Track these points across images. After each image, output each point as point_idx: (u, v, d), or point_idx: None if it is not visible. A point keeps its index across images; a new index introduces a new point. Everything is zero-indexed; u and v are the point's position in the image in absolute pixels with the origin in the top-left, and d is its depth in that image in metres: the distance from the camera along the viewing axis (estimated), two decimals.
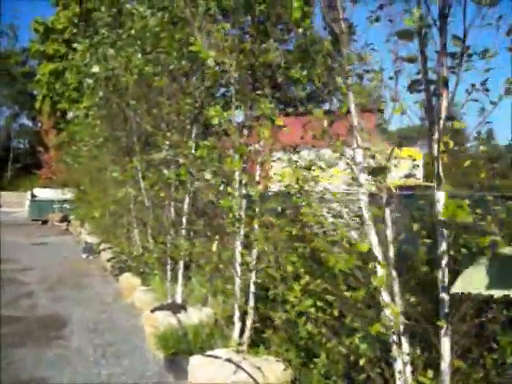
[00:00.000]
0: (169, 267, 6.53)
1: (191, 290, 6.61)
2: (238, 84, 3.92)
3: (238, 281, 4.24)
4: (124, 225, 10.25)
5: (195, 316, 5.84)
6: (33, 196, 30.20)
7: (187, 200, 6.04)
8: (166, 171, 4.63)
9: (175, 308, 5.94)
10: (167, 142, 4.51)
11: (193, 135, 5.51)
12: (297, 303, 3.65)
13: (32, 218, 28.16)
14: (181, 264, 6.16)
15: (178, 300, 6.18)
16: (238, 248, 4.19)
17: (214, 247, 4.42)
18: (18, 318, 7.45)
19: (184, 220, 6.06)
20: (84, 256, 13.96)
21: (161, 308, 5.96)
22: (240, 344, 4.27)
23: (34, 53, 39.87)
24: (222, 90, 5.50)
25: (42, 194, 30.27)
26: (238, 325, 4.33)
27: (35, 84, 41.58)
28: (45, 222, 27.08)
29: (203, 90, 5.20)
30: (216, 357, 4.33)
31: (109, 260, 11.31)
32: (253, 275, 4.18)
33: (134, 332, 6.62)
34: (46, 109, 39.14)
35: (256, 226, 4.11)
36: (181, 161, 4.19)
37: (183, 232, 6.07)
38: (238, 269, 4.21)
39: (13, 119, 60.14)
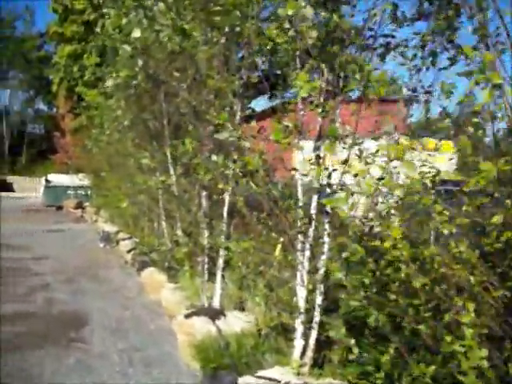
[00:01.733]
0: (205, 265, 5.81)
1: (226, 292, 5.92)
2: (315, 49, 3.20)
3: (303, 292, 3.52)
4: (148, 215, 9.55)
5: (236, 323, 5.14)
6: (47, 181, 29.68)
7: (229, 191, 5.33)
8: (214, 156, 3.90)
9: (213, 313, 5.25)
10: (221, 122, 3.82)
11: (237, 115, 4.78)
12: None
13: (46, 204, 27.69)
14: (220, 262, 5.45)
15: (216, 304, 5.48)
16: (307, 253, 3.47)
17: (278, 251, 3.71)
18: (33, 314, 6.80)
19: (225, 214, 5.35)
20: (101, 245, 13.34)
21: (197, 313, 5.25)
22: (301, 365, 3.55)
23: (52, 34, 39.02)
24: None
25: (57, 179, 29.75)
26: (299, 342, 3.62)
27: (52, 67, 40.88)
28: (59, 208, 26.61)
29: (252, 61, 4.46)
30: (271, 379, 3.62)
31: (129, 251, 10.67)
32: (321, 285, 3.46)
33: (162, 335, 5.93)
34: (62, 93, 38.51)
35: (327, 227, 3.39)
36: (246, 144, 3.46)
37: (223, 227, 5.36)
38: (306, 277, 3.49)
39: (28, 104, 59.74)
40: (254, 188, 3.77)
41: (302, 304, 3.52)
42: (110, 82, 7.24)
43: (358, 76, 3.10)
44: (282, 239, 3.54)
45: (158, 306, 7.16)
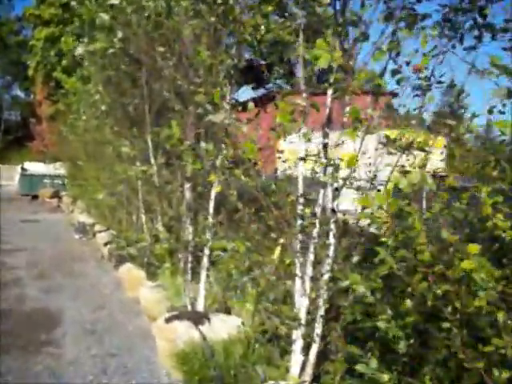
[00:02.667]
0: (188, 263, 5.32)
1: (211, 293, 5.46)
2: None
3: (305, 301, 3.07)
4: (127, 207, 9.00)
5: (222, 328, 4.69)
6: (23, 170, 28.68)
7: (216, 183, 4.86)
8: (203, 144, 3.42)
9: (197, 317, 4.78)
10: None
11: (227, 99, 4.30)
12: None
13: (22, 193, 26.81)
14: (205, 261, 4.97)
15: (200, 306, 5.00)
16: (311, 257, 3.02)
17: (277, 253, 3.24)
18: (2, 312, 6.26)
19: (211, 208, 4.87)
20: (77, 237, 12.75)
21: (178, 317, 4.78)
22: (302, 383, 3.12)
23: (28, 16, 37.61)
24: None
25: (33, 167, 28.78)
26: (299, 357, 3.17)
27: (28, 50, 39.54)
28: (35, 198, 25.75)
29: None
30: None
31: (106, 244, 10.11)
32: (324, 293, 3.01)
33: (141, 339, 5.46)
34: (39, 79, 37.30)
35: (332, 227, 2.94)
36: (244, 129, 2.98)
37: (209, 223, 4.89)
38: (308, 285, 3.03)
39: (5, 90, 58.03)
40: (246, 180, 3.32)
41: (303, 315, 3.07)
42: (80, 50, 6.62)
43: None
44: (281, 240, 3.09)
45: (136, 304, 6.66)
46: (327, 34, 2.55)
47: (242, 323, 5.03)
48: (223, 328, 4.74)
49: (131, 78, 6.59)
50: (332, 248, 2.99)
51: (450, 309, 2.24)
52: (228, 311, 5.27)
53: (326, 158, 2.85)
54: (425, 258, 2.17)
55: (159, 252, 6.39)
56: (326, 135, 2.83)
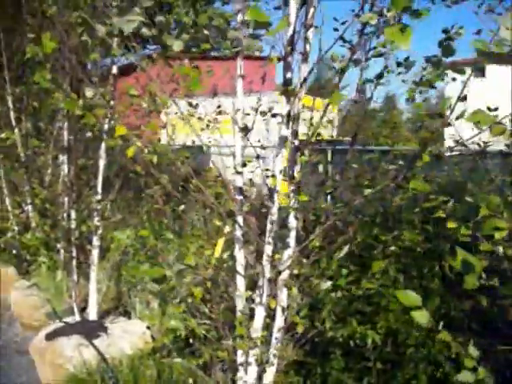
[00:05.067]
0: (73, 258, 4.10)
1: (105, 293, 4.34)
2: None
3: (261, 310, 2.09)
4: None
5: (123, 340, 3.64)
6: None
7: (103, 150, 3.72)
8: (89, 91, 2.29)
9: (89, 329, 3.66)
10: None
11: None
12: None
13: None
14: (95, 255, 3.81)
15: (92, 314, 3.85)
16: (268, 249, 2.02)
17: (219, 249, 2.22)
18: None
19: (99, 186, 3.70)
20: None
21: (64, 331, 3.62)
22: None
23: None
24: None
25: None
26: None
27: None
28: None
29: None
30: None
31: None
32: (284, 296, 2.08)
33: (13, 357, 4.19)
34: None
35: (293, 202, 2.01)
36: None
37: (97, 205, 3.72)
38: (267, 287, 2.05)
39: None
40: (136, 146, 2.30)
41: (258, 326, 2.11)
42: None
43: None
44: (227, 229, 2.09)
45: (6, 309, 5.30)
46: None
47: (148, 327, 4.03)
48: (125, 338, 3.70)
49: None
50: (293, 235, 2.08)
51: None
52: (128, 314, 4.20)
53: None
54: None
55: (31, 243, 5.05)
56: (290, 103, 1.89)
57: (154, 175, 2.17)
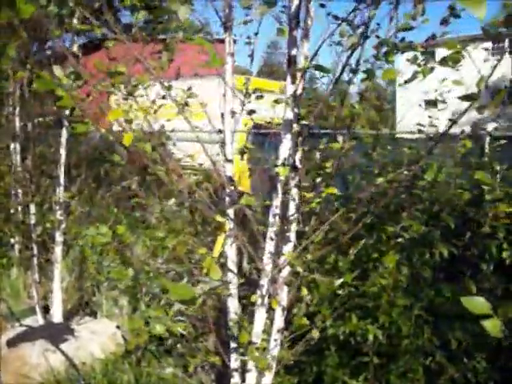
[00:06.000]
0: (34, 255, 3.74)
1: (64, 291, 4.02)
2: None
3: (262, 312, 1.88)
4: None
5: (93, 342, 3.38)
6: None
7: (64, 137, 3.40)
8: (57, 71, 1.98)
9: (55, 332, 3.37)
10: None
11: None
12: None
13: None
14: (58, 252, 3.50)
15: (57, 315, 3.54)
16: (271, 245, 1.80)
17: (218, 247, 1.99)
18: None
19: (62, 176, 3.38)
20: None
21: (27, 336, 3.31)
22: None
23: None
24: None
25: None
26: None
27: None
28: None
29: None
30: None
31: None
32: (284, 295, 1.89)
33: None
34: None
35: (294, 192, 1.81)
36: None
37: (60, 196, 3.40)
38: (269, 287, 1.83)
39: None
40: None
41: (258, 334, 1.91)
42: None
43: None
44: (228, 226, 1.87)
45: None
46: None
47: (117, 327, 3.78)
48: (94, 340, 3.44)
49: None
50: (293, 228, 1.90)
51: None
52: (94, 313, 3.92)
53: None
54: None
55: None
56: (293, 80, 1.66)
57: (148, 166, 1.92)
